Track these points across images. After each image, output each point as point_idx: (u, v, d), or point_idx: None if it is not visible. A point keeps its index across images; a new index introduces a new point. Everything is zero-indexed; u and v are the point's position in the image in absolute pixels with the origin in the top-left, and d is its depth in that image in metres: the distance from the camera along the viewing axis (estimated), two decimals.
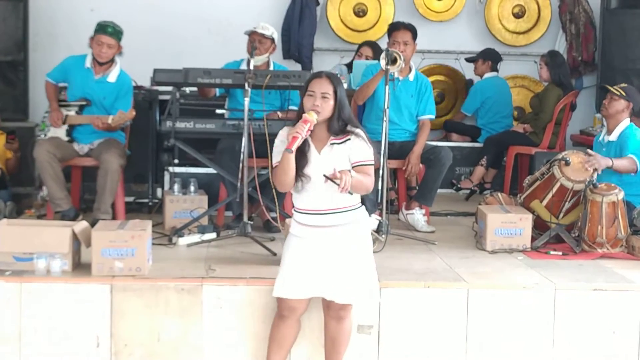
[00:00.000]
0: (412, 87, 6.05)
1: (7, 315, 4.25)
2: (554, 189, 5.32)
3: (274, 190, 4.22)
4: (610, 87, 5.67)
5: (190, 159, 5.78)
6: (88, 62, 5.87)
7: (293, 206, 4.04)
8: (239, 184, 5.13)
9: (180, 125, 5.23)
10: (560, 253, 5.16)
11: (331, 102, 3.89)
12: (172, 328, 4.31)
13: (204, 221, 5.43)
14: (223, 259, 4.82)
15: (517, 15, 8.56)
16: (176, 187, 5.81)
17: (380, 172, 5.18)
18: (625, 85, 5.82)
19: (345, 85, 4.06)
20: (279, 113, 5.68)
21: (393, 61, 5.52)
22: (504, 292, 4.46)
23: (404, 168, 6.00)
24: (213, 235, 5.27)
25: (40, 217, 5.97)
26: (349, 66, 7.21)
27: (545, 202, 5.38)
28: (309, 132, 3.83)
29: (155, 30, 7.95)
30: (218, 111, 5.98)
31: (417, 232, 5.80)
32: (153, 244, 4.74)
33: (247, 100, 5.10)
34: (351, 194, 3.80)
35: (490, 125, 7.80)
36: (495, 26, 8.52)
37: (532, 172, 5.99)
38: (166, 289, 4.31)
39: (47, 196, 5.74)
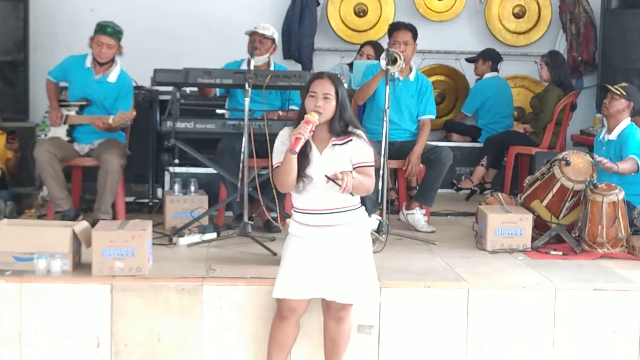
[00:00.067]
0: (412, 87, 6.05)
1: (7, 315, 4.25)
2: (555, 189, 5.32)
3: (274, 190, 4.22)
4: (610, 87, 5.66)
5: (190, 159, 5.78)
6: (88, 62, 5.87)
7: (292, 206, 4.04)
8: (239, 184, 5.13)
9: (181, 125, 5.23)
10: (561, 253, 5.16)
11: (333, 103, 3.88)
12: (173, 328, 4.31)
13: (205, 221, 5.43)
14: (223, 259, 4.82)
15: (518, 16, 8.55)
16: (176, 187, 5.81)
17: (381, 172, 5.17)
18: (626, 84, 5.80)
19: (345, 85, 4.05)
20: (279, 112, 5.68)
21: (393, 61, 5.52)
22: (504, 292, 4.46)
23: (404, 168, 6.00)
24: (213, 235, 5.27)
25: (40, 217, 5.97)
26: (351, 66, 7.20)
27: (545, 202, 5.37)
28: (311, 133, 3.83)
29: (155, 30, 7.95)
30: (218, 111, 5.99)
31: (417, 232, 5.80)
32: (153, 244, 4.74)
33: (247, 100, 5.10)
34: (352, 195, 3.81)
35: (491, 125, 7.80)
36: (495, 26, 8.52)
37: (533, 172, 5.98)
38: (166, 289, 4.30)
39: (47, 196, 5.73)
